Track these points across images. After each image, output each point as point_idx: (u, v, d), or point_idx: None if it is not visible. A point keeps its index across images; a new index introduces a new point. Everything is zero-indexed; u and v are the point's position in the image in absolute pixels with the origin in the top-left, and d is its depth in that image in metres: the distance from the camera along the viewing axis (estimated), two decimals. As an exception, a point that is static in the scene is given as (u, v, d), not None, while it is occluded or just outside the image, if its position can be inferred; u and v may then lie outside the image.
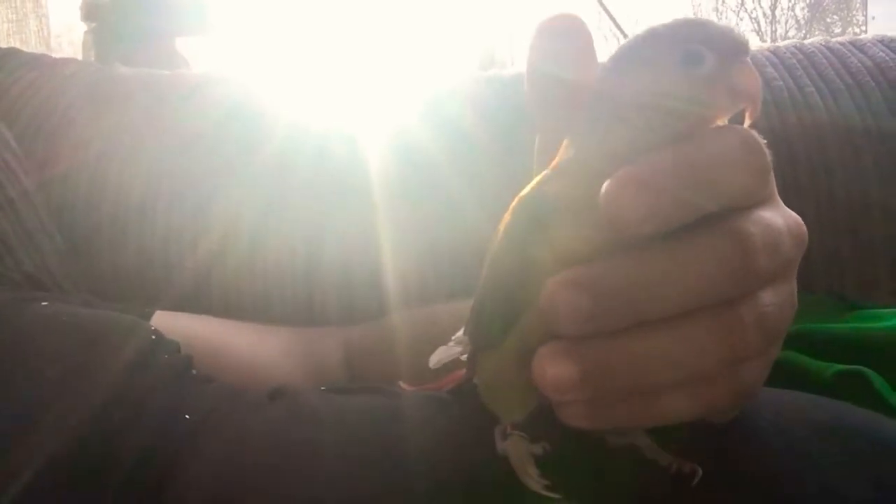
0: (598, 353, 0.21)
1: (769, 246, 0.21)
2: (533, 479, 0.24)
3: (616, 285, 0.21)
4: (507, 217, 0.24)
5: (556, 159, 0.24)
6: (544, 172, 0.24)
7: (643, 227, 0.20)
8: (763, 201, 0.23)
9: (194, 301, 0.57)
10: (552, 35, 0.25)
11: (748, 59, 0.23)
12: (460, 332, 0.29)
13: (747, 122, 0.23)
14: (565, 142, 0.24)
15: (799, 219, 0.24)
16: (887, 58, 0.59)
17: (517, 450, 0.25)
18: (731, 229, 0.21)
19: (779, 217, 0.23)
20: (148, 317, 0.43)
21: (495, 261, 0.25)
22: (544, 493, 0.23)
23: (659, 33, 0.23)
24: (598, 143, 0.22)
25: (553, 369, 0.21)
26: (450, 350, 0.30)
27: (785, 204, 0.24)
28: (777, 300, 0.22)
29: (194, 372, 0.34)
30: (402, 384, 0.36)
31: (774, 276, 0.22)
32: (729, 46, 0.22)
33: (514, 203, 0.24)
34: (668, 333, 0.21)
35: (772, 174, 0.23)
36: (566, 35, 0.25)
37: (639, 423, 0.22)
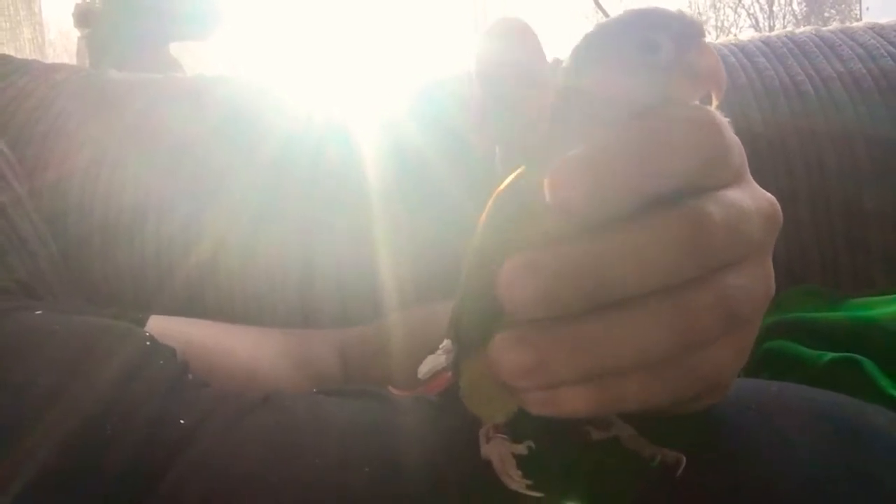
0: (553, 339, 0.21)
1: (731, 225, 0.21)
2: (514, 481, 0.24)
3: (571, 266, 0.20)
4: (483, 216, 0.24)
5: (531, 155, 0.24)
6: (519, 169, 0.24)
7: (588, 209, 0.20)
8: (729, 182, 0.22)
9: (188, 306, 0.57)
10: (499, 37, 0.25)
11: (705, 40, 0.23)
12: (446, 341, 0.29)
13: (714, 104, 0.23)
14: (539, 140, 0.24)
15: (772, 200, 0.23)
16: (878, 44, 0.59)
17: (499, 452, 0.25)
18: (687, 208, 0.21)
19: (746, 197, 0.22)
20: (142, 322, 0.43)
21: (474, 259, 0.25)
22: (527, 492, 0.23)
23: (611, 27, 0.23)
24: (567, 138, 0.22)
25: (509, 357, 0.21)
26: (437, 359, 0.30)
27: (780, 202, 0.24)
28: (743, 283, 0.22)
29: (190, 377, 0.34)
30: (392, 389, 0.36)
31: (740, 258, 0.22)
32: (684, 30, 0.22)
33: (489, 201, 0.24)
34: (622, 316, 0.21)
35: (735, 154, 0.22)
36: (513, 36, 0.25)
37: (598, 409, 0.22)
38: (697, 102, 0.23)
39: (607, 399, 0.21)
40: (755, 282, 0.22)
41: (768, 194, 0.23)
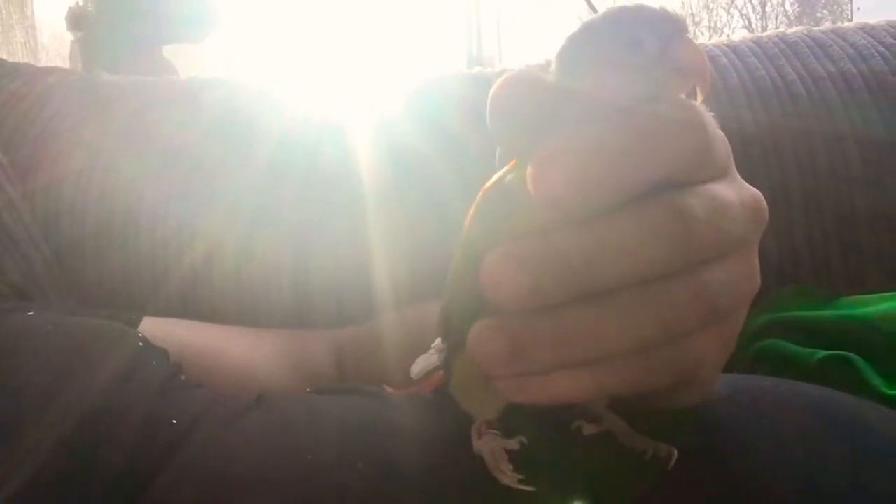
0: (530, 328, 0.21)
1: (714, 218, 0.21)
2: (506, 475, 0.24)
3: (554, 258, 0.21)
4: (471, 211, 0.25)
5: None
6: (506, 167, 0.24)
7: (571, 202, 0.20)
8: (715, 177, 0.22)
9: (183, 308, 0.57)
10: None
11: (688, 35, 0.23)
12: (438, 340, 0.29)
13: (699, 98, 0.23)
14: None
15: (757, 194, 0.24)
16: (868, 44, 0.59)
17: (490, 447, 0.25)
18: (669, 200, 0.21)
19: (730, 191, 0.22)
20: (135, 323, 0.43)
21: (461, 254, 0.25)
22: (519, 486, 0.23)
23: (597, 26, 0.23)
24: (555, 136, 0.22)
25: (486, 345, 0.21)
26: (429, 358, 0.30)
27: (772, 203, 0.24)
28: (724, 277, 0.22)
29: (183, 378, 0.34)
30: (387, 388, 0.36)
31: (724, 251, 0.22)
32: (667, 26, 0.23)
33: (477, 197, 0.25)
34: (601, 307, 0.21)
35: (719, 148, 0.22)
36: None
37: (574, 397, 0.22)
38: (683, 97, 0.23)
39: (583, 387, 0.22)
40: (738, 277, 0.22)
41: (753, 189, 0.24)
